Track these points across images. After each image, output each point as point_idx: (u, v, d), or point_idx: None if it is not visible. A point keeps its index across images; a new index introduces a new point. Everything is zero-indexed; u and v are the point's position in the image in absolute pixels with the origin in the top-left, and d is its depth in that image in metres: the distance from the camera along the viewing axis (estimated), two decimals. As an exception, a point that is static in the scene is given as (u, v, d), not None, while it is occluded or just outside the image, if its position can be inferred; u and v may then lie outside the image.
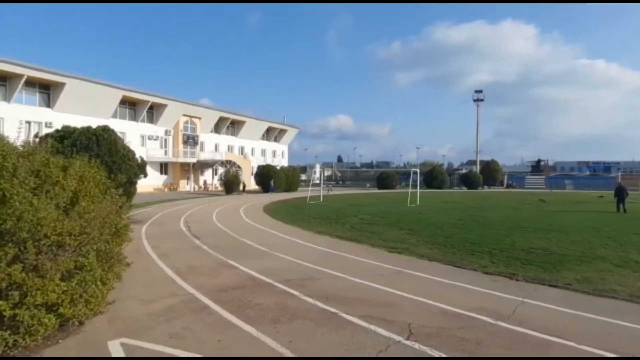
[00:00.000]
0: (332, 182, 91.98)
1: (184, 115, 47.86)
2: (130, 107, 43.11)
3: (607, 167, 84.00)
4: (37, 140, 16.55)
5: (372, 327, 5.45)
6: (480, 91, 78.77)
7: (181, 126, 47.75)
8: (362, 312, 6.02)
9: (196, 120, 49.74)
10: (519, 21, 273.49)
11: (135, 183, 17.63)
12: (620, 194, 23.47)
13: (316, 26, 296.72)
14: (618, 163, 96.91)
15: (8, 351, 4.24)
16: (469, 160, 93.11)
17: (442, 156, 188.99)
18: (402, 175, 64.87)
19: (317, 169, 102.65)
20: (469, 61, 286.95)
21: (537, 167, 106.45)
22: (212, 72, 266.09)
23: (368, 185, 65.25)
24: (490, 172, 71.17)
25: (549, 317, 6.01)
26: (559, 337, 5.18)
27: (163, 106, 44.95)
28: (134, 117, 43.41)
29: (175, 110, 46.16)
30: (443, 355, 4.59)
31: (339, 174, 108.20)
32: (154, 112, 45.17)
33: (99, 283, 5.13)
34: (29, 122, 33.54)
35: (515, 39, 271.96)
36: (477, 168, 75.21)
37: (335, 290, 7.16)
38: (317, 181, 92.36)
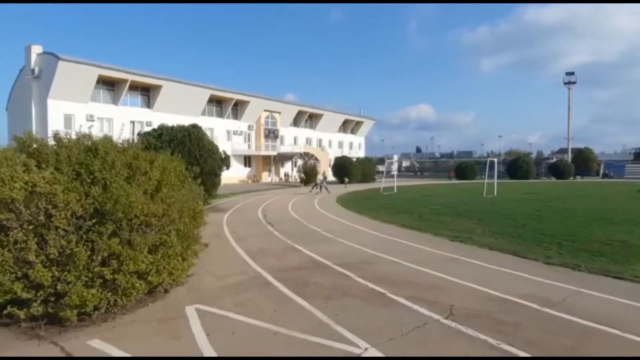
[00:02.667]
0: (411, 173, 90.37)
1: (265, 110, 50.33)
2: (217, 104, 46.38)
3: None
4: (139, 137, 18.91)
5: (415, 306, 5.87)
6: (572, 73, 72.00)
7: (262, 121, 50.29)
8: (409, 293, 6.44)
9: (276, 115, 52.03)
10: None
11: (219, 175, 19.30)
12: None
13: (397, 17, 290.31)
14: None
15: (110, 309, 5.38)
16: (561, 149, 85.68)
17: (529, 144, 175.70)
18: (481, 166, 61.86)
19: (395, 159, 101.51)
20: (564, 41, 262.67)
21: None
22: (295, 69, 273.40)
23: (450, 176, 63.09)
24: (583, 161, 65.11)
25: (601, 306, 5.94)
26: (605, 325, 5.19)
27: (246, 103, 47.70)
28: (220, 114, 46.65)
29: (257, 106, 48.74)
30: (481, 335, 4.88)
31: (417, 165, 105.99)
32: (238, 109, 48.14)
33: (179, 258, 6.17)
34: (133, 122, 37.74)
35: (619, 14, 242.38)
36: (568, 157, 69.16)
37: (387, 274, 7.63)
38: (395, 172, 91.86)
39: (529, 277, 7.52)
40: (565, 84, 72.55)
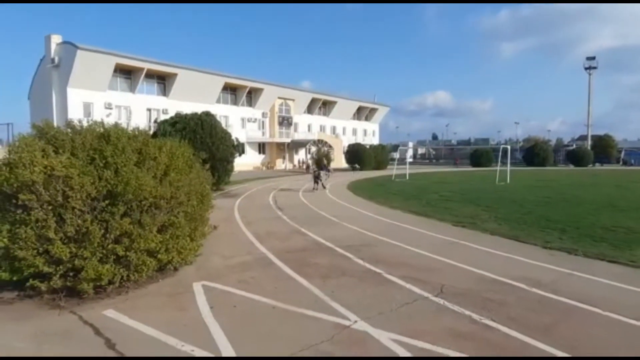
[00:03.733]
0: (426, 160, 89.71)
1: (279, 97, 50.64)
2: (232, 92, 46.88)
3: None
4: (155, 125, 19.49)
5: (408, 285, 6.19)
6: (593, 58, 70.01)
7: (276, 108, 50.65)
8: (404, 273, 6.76)
9: (290, 102, 52.29)
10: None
11: (232, 161, 19.77)
12: None
13: (415, 2, 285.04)
14: None
15: (124, 283, 5.84)
16: (581, 136, 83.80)
17: (548, 131, 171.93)
18: (497, 153, 61.21)
19: (410, 146, 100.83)
20: (588, 25, 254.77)
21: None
22: (310, 57, 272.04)
23: (457, 163, 62.29)
24: (602, 148, 63.88)
25: (588, 288, 6.17)
26: (588, 304, 5.42)
27: (260, 90, 48.08)
28: (235, 102, 47.17)
29: (271, 94, 49.09)
30: (466, 311, 5.18)
31: (433, 152, 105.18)
32: (252, 96, 48.58)
33: (187, 238, 6.59)
34: (149, 110, 38.56)
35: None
36: (587, 144, 67.77)
37: (386, 256, 7.95)
38: (410, 159, 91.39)
39: (524, 260, 7.74)
40: (585, 69, 70.73)
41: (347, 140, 59.11)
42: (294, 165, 53.17)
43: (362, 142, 54.77)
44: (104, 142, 5.95)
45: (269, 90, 48.65)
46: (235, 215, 13.19)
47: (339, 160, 50.98)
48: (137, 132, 6.42)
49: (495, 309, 5.25)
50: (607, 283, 6.40)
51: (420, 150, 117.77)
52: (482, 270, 6.96)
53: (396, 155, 41.22)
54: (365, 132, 67.71)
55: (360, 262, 7.50)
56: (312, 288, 6.05)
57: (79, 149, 5.82)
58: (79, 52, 32.14)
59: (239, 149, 20.37)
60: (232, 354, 4.03)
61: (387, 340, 4.34)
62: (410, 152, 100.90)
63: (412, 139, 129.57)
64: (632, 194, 20.27)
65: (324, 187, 22.15)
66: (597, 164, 60.86)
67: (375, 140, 66.57)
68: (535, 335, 4.44)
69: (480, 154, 59.80)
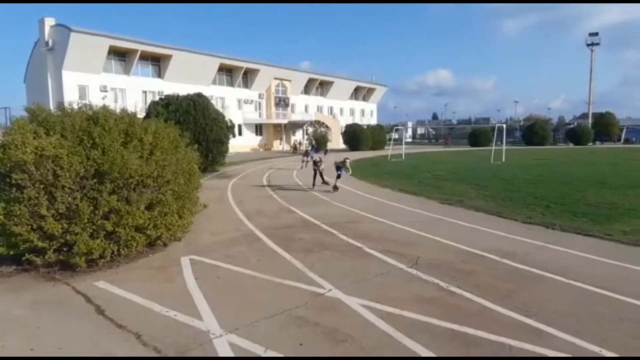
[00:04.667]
0: (425, 140, 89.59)
1: (275, 78, 50.40)
2: (227, 73, 46.65)
3: None
4: (148, 107, 19.62)
5: (386, 258, 6.51)
6: (596, 34, 69.04)
7: (273, 89, 50.46)
8: (384, 247, 7.07)
9: (286, 83, 52.08)
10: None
11: (226, 143, 19.97)
12: None
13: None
14: None
15: (114, 258, 6.17)
16: (583, 114, 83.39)
17: (548, 109, 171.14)
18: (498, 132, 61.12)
19: (409, 126, 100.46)
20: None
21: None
22: (309, 37, 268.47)
23: (447, 143, 61.72)
24: (603, 126, 63.79)
25: (557, 259, 6.48)
26: (553, 273, 5.75)
27: (256, 71, 47.85)
28: (231, 83, 46.99)
29: (267, 74, 48.85)
30: (435, 280, 5.50)
31: (433, 132, 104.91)
32: (248, 77, 48.37)
33: (175, 215, 6.89)
34: (145, 92, 38.49)
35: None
36: (588, 122, 67.61)
37: (369, 231, 8.27)
38: (409, 139, 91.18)
39: (503, 234, 8.06)
40: (587, 45, 69.80)
41: (344, 120, 58.98)
42: (296, 147, 53.25)
43: (360, 123, 54.76)
44: (92, 124, 6.20)
45: (265, 70, 48.41)
46: (227, 195, 13.49)
47: (336, 141, 51.09)
48: (124, 114, 6.65)
49: (463, 278, 5.57)
50: (577, 254, 6.72)
51: (420, 130, 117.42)
52: (459, 244, 7.28)
53: (395, 135, 41.32)
54: (363, 112, 67.52)
55: (344, 237, 7.82)
56: (294, 261, 6.37)
57: (69, 130, 6.06)
58: (72, 34, 31.96)
59: (233, 130, 20.46)
60: (212, 318, 4.36)
61: (357, 305, 4.67)
62: (409, 132, 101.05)
63: (412, 118, 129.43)
64: (625, 171, 20.51)
65: (327, 183, 14.83)
66: (597, 142, 60.88)
67: (373, 121, 66.45)
68: (495, 300, 4.78)
69: (478, 134, 59.59)
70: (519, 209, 10.58)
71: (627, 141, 64.79)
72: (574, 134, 61.00)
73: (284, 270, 5.94)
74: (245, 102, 48.02)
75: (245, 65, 46.42)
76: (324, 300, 4.87)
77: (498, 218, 9.69)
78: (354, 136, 45.68)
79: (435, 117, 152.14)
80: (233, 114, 40.23)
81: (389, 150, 35.24)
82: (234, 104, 46.28)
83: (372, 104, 69.82)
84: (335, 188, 14.02)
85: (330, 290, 5.15)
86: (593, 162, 26.55)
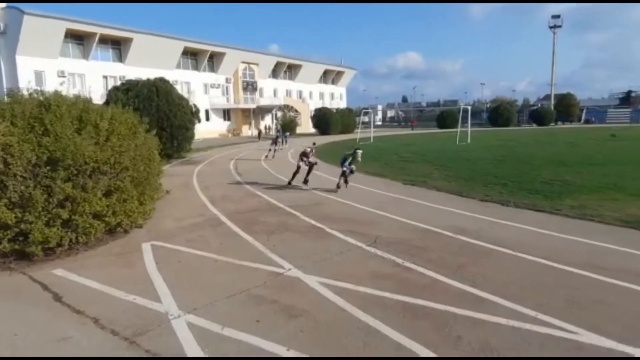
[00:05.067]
0: (395, 123, 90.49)
1: (242, 62, 49.49)
2: (192, 57, 45.46)
3: None
4: (108, 93, 19.02)
5: (346, 237, 6.70)
6: (558, 16, 71.10)
7: (240, 73, 49.58)
8: (345, 227, 7.26)
9: (254, 67, 51.26)
10: None
11: (191, 128, 19.63)
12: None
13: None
14: None
15: (73, 246, 6.09)
16: (546, 95, 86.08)
17: (513, 91, 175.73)
18: (464, 114, 62.46)
19: (379, 109, 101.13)
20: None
21: (626, 99, 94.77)
22: (278, 20, 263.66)
23: (414, 125, 62.39)
24: (565, 107, 66.22)
25: (508, 233, 6.84)
26: (503, 247, 6.08)
27: (222, 54, 46.81)
28: (196, 67, 45.84)
29: (233, 58, 47.89)
30: (391, 257, 5.72)
31: (402, 114, 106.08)
32: (214, 61, 47.28)
33: (135, 202, 6.83)
34: (105, 77, 37.09)
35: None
36: (551, 103, 69.92)
37: (332, 213, 8.45)
38: (379, 122, 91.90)
39: (460, 212, 8.40)
40: (550, 27, 71.79)
41: (314, 104, 58.81)
42: (260, 131, 52.79)
43: (330, 106, 54.75)
44: (44, 110, 6.03)
45: (231, 54, 47.43)
46: (193, 181, 13.37)
47: (306, 125, 51.02)
48: (77, 99, 6.48)
49: (419, 254, 5.82)
50: (527, 229, 7.10)
51: (390, 113, 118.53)
52: (418, 222, 7.55)
53: (365, 119, 41.55)
54: (332, 95, 67.43)
55: (306, 219, 7.96)
56: (256, 243, 6.47)
57: (19, 117, 5.88)
58: (25, 17, 30.31)
59: (199, 115, 20.11)
60: (171, 300, 4.42)
61: (315, 283, 4.83)
62: (379, 115, 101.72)
63: (382, 102, 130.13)
64: (581, 150, 21.48)
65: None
66: (559, 123, 63.13)
67: (342, 104, 66.46)
68: (447, 273, 5.04)
69: (446, 116, 60.85)
70: (479, 188, 10.99)
71: (587, 121, 67.47)
72: (537, 115, 63.11)
73: (246, 253, 6.03)
74: (212, 86, 47.05)
75: (210, 48, 45.34)
76: (283, 280, 5.00)
77: (458, 197, 10.04)
78: (324, 120, 45.73)
79: (405, 100, 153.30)
80: (199, 99, 39.39)
81: (358, 134, 35.48)
82: (201, 88, 45.28)
83: (341, 88, 69.76)
84: (339, 186, 11.09)
85: (289, 269, 5.29)
86: (553, 142, 27.63)
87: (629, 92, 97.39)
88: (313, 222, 7.72)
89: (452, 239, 6.55)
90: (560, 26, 71.42)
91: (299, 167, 12.41)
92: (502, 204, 9.12)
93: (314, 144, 14.92)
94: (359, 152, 11.43)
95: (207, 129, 40.71)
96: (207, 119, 44.65)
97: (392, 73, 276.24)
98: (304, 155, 12.53)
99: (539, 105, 78.80)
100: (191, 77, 44.40)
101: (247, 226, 7.48)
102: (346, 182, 11.31)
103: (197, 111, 20.42)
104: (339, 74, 67.36)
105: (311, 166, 12.32)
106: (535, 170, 14.01)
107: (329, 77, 65.90)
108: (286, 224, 7.61)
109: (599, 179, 11.99)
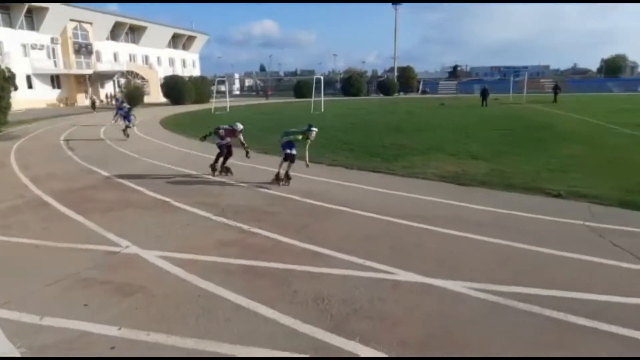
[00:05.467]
0: (254, 93, 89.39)
1: (72, 20, 42.69)
2: (4, 11, 37.55)
3: (516, 72, 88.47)
4: None
5: (194, 210, 6.47)
6: (399, -6, 77.37)
7: (70, 33, 42.79)
8: (193, 200, 6.97)
9: (87, 26, 44.74)
10: None
11: (6, 97, 16.43)
12: (484, 94, 33.42)
13: None
14: (526, 68, 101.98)
15: None
16: (391, 68, 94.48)
17: (363, 63, 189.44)
18: (319, 84, 65.10)
19: (236, 77, 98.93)
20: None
21: (454, 73, 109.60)
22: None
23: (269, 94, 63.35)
24: (406, 79, 73.29)
25: (347, 194, 7.41)
26: (342, 206, 6.57)
27: (44, 10, 39.56)
28: (10, 24, 38.07)
29: (60, 15, 40.91)
30: (238, 224, 5.71)
31: (261, 84, 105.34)
32: (33, 17, 39.75)
33: None
34: None
35: None
36: (394, 75, 76.89)
37: (179, 185, 8.06)
38: (237, 92, 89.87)
39: (308, 177, 8.75)
40: (392, 4, 77.68)
41: (163, 71, 54.21)
42: (101, 101, 47.06)
43: (182, 74, 51.29)
44: None
45: (56, 9, 40.27)
46: (10, 159, 11.34)
47: (155, 94, 47.03)
48: None
49: (265, 219, 5.94)
50: (365, 188, 7.79)
51: (248, 82, 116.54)
52: (266, 190, 7.68)
53: (221, 87, 39.98)
54: (184, 62, 63.26)
55: (151, 193, 7.45)
56: (88, 223, 5.83)
57: None
58: None
59: (14, 81, 16.91)
60: (-28, 299, 3.73)
61: (154, 257, 4.58)
62: (236, 84, 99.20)
63: (239, 70, 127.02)
64: (417, 118, 24.15)
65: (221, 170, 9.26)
66: (401, 93, 69.84)
67: (196, 72, 62.80)
68: (289, 235, 5.27)
69: (302, 85, 62.11)
70: (328, 154, 11.58)
71: (424, 92, 75.73)
72: (384, 86, 68.89)
73: (75, 234, 5.39)
74: (34, 47, 39.68)
75: (27, 3, 37.95)
76: (119, 258, 4.63)
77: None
78: (175, 88, 42.65)
79: (262, 69, 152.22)
80: (17, 62, 33.12)
81: (213, 104, 34.20)
82: (18, 49, 37.90)
83: (193, 54, 65.85)
84: (283, 179, 8.12)
85: (127, 247, 4.91)
86: (395, 111, 30.53)
87: (455, 66, 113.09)
88: (159, 196, 7.24)
89: (297, 203, 6.85)
90: (401, 2, 77.92)
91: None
92: (346, 167, 9.82)
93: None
94: (315, 129, 8.58)
95: (30, 98, 34.86)
96: (30, 86, 38.10)
97: (249, 40, 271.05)
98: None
99: (385, 76, 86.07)
100: (4, 36, 36.83)
101: (78, 205, 6.67)
102: (288, 177, 8.17)
103: (13, 76, 17.10)
104: (190, 38, 63.35)
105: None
106: (376, 136, 15.37)
107: (179, 42, 61.47)
108: (128, 200, 7.01)
109: (428, 142, 13.68)
